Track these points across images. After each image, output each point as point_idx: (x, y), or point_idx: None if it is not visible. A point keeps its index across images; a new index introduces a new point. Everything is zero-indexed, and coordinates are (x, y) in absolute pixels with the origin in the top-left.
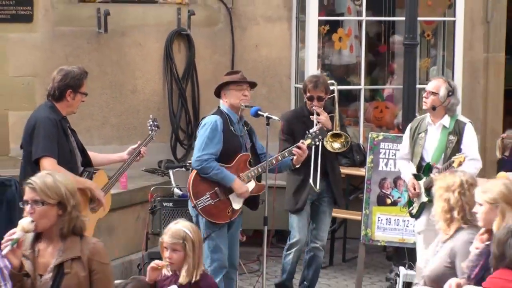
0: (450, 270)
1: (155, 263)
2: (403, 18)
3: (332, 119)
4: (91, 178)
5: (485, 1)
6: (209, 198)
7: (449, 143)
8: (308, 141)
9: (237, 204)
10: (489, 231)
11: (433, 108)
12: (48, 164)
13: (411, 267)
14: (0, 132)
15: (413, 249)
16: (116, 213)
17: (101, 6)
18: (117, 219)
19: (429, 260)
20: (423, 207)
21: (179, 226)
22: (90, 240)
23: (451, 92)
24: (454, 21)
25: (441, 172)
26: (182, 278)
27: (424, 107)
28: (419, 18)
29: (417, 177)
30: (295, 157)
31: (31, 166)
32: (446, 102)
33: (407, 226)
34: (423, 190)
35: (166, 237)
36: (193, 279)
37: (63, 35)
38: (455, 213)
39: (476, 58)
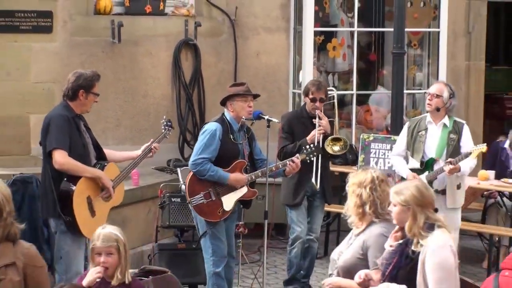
0: (362, 262)
1: (99, 272)
2: (392, 29)
3: (332, 124)
4: (102, 170)
5: (466, 14)
6: (202, 197)
7: (451, 141)
8: (303, 156)
9: (228, 206)
10: (403, 229)
11: (437, 109)
12: (59, 155)
13: None
14: (22, 133)
15: None
16: (129, 207)
17: (115, 18)
18: (130, 213)
19: (343, 252)
20: None
21: (109, 229)
22: (23, 245)
23: (452, 94)
24: (439, 32)
25: (455, 163)
26: (116, 280)
27: (428, 108)
28: (406, 29)
29: (416, 171)
30: (287, 169)
31: (48, 160)
32: (448, 103)
33: None
34: (425, 182)
35: (99, 242)
36: (126, 281)
37: (80, 44)
38: (367, 208)
39: (458, 66)
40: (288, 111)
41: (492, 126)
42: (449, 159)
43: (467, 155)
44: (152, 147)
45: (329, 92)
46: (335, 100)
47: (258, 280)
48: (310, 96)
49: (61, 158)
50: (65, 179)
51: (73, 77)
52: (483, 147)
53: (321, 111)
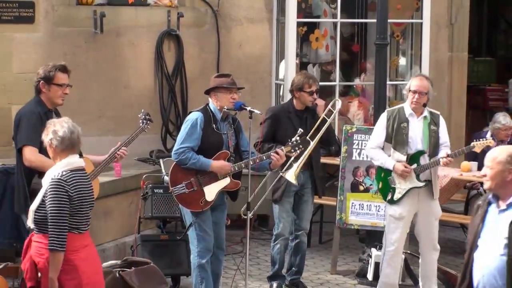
0: None
1: None
2: (375, 20)
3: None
4: None
5: (449, 5)
6: (184, 187)
7: (432, 132)
8: (288, 148)
9: (210, 196)
10: None
11: (424, 105)
12: (29, 152)
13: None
14: (4, 124)
15: (384, 232)
16: (111, 198)
17: (97, 8)
18: (112, 204)
19: None
20: (408, 191)
21: None
22: None
23: (432, 85)
24: (421, 23)
25: (456, 156)
26: None
27: (414, 106)
28: (389, 20)
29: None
30: (272, 161)
31: (19, 155)
32: (430, 96)
33: (378, 211)
34: (414, 175)
35: None
36: None
37: (62, 35)
38: None
39: (441, 57)
40: (274, 105)
41: (475, 117)
42: (447, 153)
43: (470, 148)
44: (119, 153)
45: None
46: (338, 107)
47: (240, 271)
48: (308, 90)
49: (30, 155)
50: (37, 175)
51: (37, 72)
52: (490, 141)
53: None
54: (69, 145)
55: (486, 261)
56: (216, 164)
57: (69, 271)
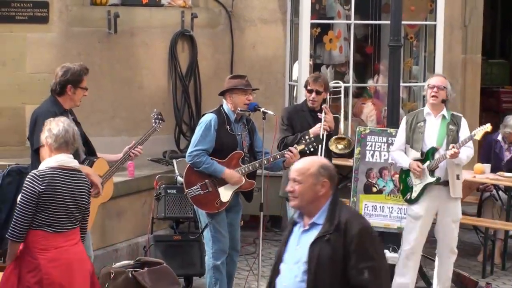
0: None
1: None
2: (389, 22)
3: (337, 120)
4: (91, 166)
5: (463, 7)
6: (199, 189)
7: (450, 131)
8: (302, 146)
9: (225, 197)
10: None
11: (443, 101)
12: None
13: (395, 251)
14: (17, 124)
15: (397, 234)
16: (124, 199)
17: (111, 8)
18: (125, 205)
19: None
20: (425, 190)
21: None
22: None
23: (451, 86)
24: (435, 25)
25: (460, 147)
26: None
27: (433, 101)
28: (403, 22)
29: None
30: (286, 159)
31: (36, 156)
32: (449, 94)
33: (391, 213)
34: (427, 172)
35: None
36: None
37: (76, 35)
38: None
39: (455, 59)
40: (287, 105)
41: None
42: (452, 144)
43: (471, 137)
44: (134, 151)
45: (334, 85)
46: (342, 95)
47: (253, 272)
48: (308, 88)
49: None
50: None
51: (61, 72)
52: (488, 127)
53: (319, 104)
54: (62, 143)
55: None
56: (228, 173)
57: (31, 267)
